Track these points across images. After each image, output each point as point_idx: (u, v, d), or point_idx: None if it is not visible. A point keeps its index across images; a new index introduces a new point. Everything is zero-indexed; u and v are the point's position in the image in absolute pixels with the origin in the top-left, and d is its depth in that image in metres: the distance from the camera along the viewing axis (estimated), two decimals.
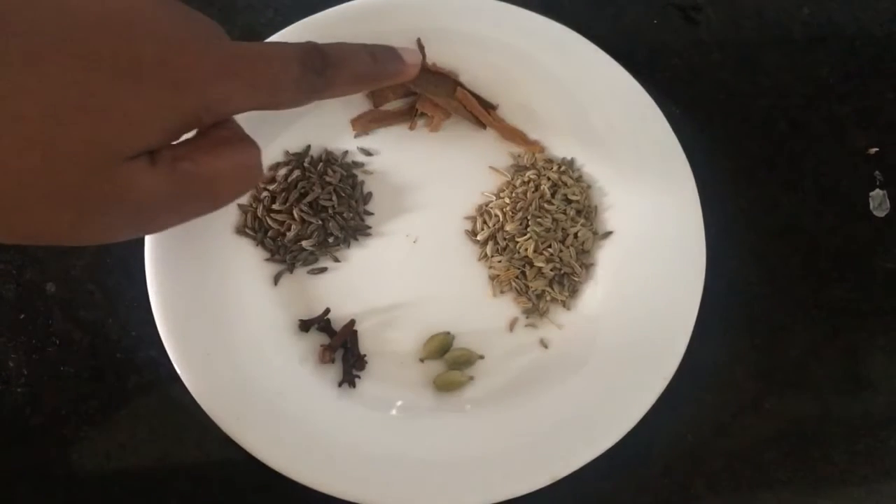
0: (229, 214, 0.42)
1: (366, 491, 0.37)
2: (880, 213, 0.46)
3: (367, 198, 0.44)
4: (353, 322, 0.41)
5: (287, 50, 0.29)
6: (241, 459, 0.37)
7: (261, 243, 0.42)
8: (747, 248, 0.45)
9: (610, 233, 0.43)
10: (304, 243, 0.41)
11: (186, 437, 0.40)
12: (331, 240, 0.42)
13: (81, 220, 0.25)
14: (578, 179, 0.44)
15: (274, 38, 0.43)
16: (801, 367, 0.43)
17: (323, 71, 0.30)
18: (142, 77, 0.24)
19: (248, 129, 0.42)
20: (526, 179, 0.43)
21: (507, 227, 0.42)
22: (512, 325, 0.42)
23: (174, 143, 0.27)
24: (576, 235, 0.43)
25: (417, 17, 0.44)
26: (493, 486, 0.37)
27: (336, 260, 0.43)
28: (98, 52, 0.24)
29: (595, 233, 0.43)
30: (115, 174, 0.24)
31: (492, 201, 0.44)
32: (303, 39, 0.43)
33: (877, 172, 0.47)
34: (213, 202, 0.29)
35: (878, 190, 0.46)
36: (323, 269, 0.42)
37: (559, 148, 0.45)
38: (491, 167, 0.45)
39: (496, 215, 0.43)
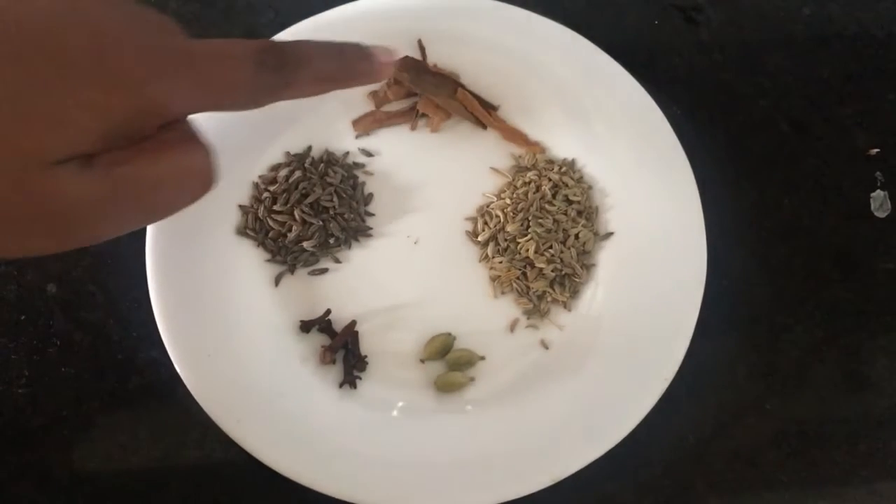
0: (230, 215, 0.42)
1: (366, 492, 0.37)
2: (881, 214, 0.46)
3: (368, 199, 0.44)
4: (353, 323, 0.41)
5: (241, 47, 0.27)
6: (242, 460, 0.37)
7: (262, 244, 0.42)
8: (748, 248, 0.45)
9: (611, 234, 0.43)
10: (305, 244, 0.41)
11: (187, 437, 0.40)
12: (332, 241, 0.42)
13: None
14: (579, 180, 0.44)
15: (277, 36, 0.43)
16: (802, 368, 0.43)
17: (281, 70, 0.28)
18: (72, 76, 0.23)
19: (248, 129, 0.42)
20: (527, 180, 0.43)
21: (508, 228, 0.42)
22: (513, 326, 0.42)
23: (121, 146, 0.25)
24: (577, 236, 0.43)
25: (418, 18, 0.44)
26: (494, 486, 0.37)
27: (337, 261, 0.43)
28: (21, 50, 0.22)
29: (596, 234, 0.43)
30: (37, 181, 0.23)
31: (493, 202, 0.44)
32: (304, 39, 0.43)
33: (878, 173, 0.47)
34: (155, 211, 0.27)
35: (879, 191, 0.46)
36: (324, 270, 0.42)
37: (560, 149, 0.45)
38: (492, 168, 0.45)
39: (497, 216, 0.43)
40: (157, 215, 0.27)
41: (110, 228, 0.26)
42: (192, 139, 0.27)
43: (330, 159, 0.43)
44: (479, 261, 0.43)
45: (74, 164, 0.23)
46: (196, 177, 0.27)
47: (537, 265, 0.42)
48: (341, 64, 0.32)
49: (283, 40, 0.30)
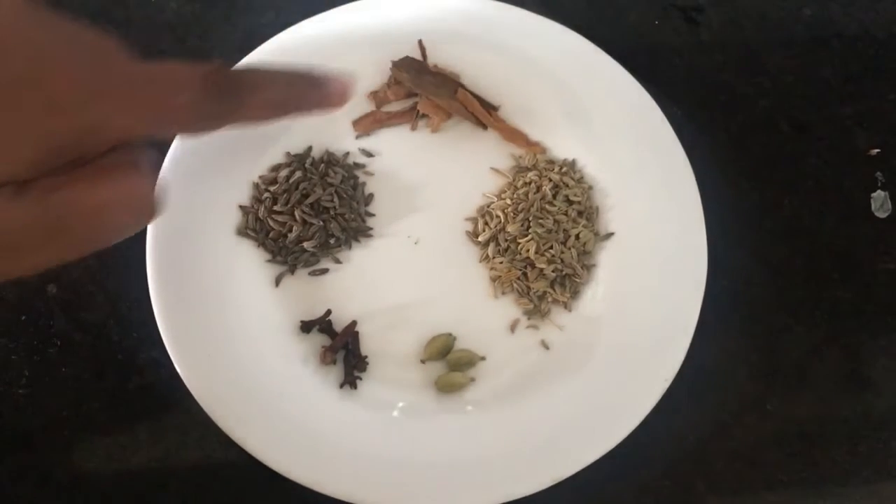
0: (230, 216, 0.42)
1: (367, 492, 0.37)
2: (882, 214, 0.46)
3: (369, 199, 0.44)
4: (354, 323, 0.41)
5: (187, 71, 0.26)
6: (243, 460, 0.37)
7: (262, 244, 0.42)
8: (749, 249, 0.45)
9: (611, 234, 0.43)
10: (306, 244, 0.41)
11: (188, 438, 0.40)
12: (332, 241, 0.42)
13: None
14: (580, 180, 0.44)
15: (277, 37, 0.43)
16: (802, 368, 0.43)
17: (228, 96, 0.27)
18: (6, 100, 0.22)
19: (248, 130, 0.42)
20: (527, 180, 0.43)
21: (509, 229, 0.42)
22: (513, 327, 0.42)
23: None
24: (577, 236, 0.43)
25: (418, 19, 0.44)
26: (494, 487, 0.37)
27: (337, 261, 0.43)
28: None
29: (596, 234, 0.43)
30: None
31: (493, 202, 0.44)
32: (305, 39, 0.43)
33: (878, 173, 0.47)
34: (95, 239, 0.25)
35: (879, 191, 0.46)
36: (324, 271, 0.42)
37: (561, 149, 0.45)
38: (492, 168, 0.45)
39: (497, 216, 0.43)
40: (97, 243, 0.26)
41: (47, 257, 0.25)
42: (135, 165, 0.26)
43: (330, 160, 0.43)
44: (480, 261, 0.43)
45: (7, 190, 0.23)
46: (137, 204, 0.26)
47: (538, 265, 0.42)
48: (293, 92, 0.31)
49: (234, 67, 0.29)
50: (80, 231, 0.25)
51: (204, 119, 0.27)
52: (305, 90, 0.31)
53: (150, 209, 0.26)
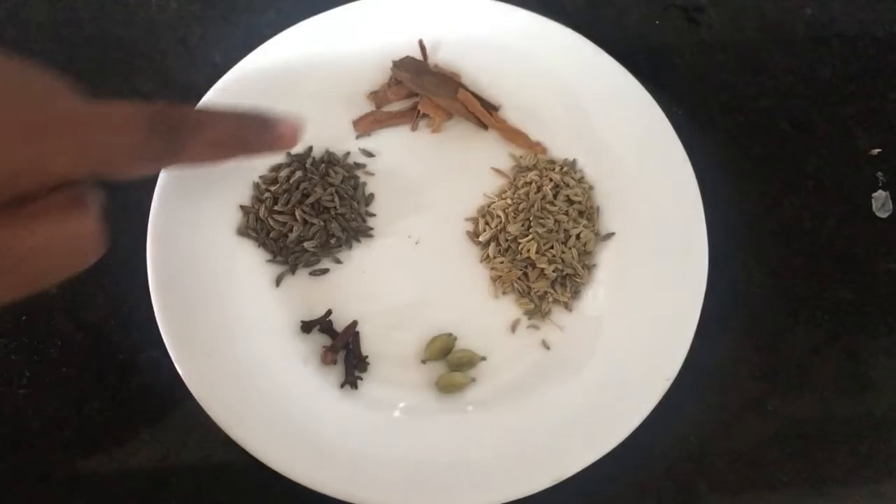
0: (231, 216, 0.42)
1: (367, 492, 0.37)
2: (883, 214, 0.46)
3: (369, 199, 0.44)
4: (355, 323, 0.41)
5: (130, 113, 0.26)
6: (242, 460, 0.37)
7: (263, 244, 0.42)
8: (749, 248, 0.45)
9: (612, 234, 0.43)
10: (307, 244, 0.41)
11: (188, 438, 0.40)
12: (333, 241, 0.42)
13: None
14: (580, 180, 0.44)
15: (278, 36, 0.43)
16: (803, 368, 0.43)
17: (171, 136, 0.27)
18: None
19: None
20: (528, 180, 0.43)
21: (510, 229, 0.42)
22: (514, 327, 0.42)
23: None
24: (578, 236, 0.42)
25: (419, 18, 0.44)
26: (495, 487, 0.37)
27: (338, 261, 0.43)
28: None
29: (597, 234, 0.43)
30: None
31: (494, 202, 0.44)
32: (305, 39, 0.43)
33: (879, 173, 0.47)
34: (36, 279, 0.25)
35: (880, 191, 0.46)
36: (325, 271, 0.42)
37: (561, 149, 0.44)
38: (493, 168, 0.45)
39: (498, 216, 0.43)
40: (39, 283, 0.25)
41: None
42: (77, 203, 0.25)
43: (331, 159, 0.43)
44: (481, 261, 0.43)
45: None
46: (78, 243, 0.25)
47: (538, 265, 0.42)
48: (240, 133, 0.31)
49: (180, 108, 0.28)
50: (21, 271, 0.24)
51: (147, 160, 0.27)
52: (254, 132, 0.31)
53: (91, 250, 0.26)
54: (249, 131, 0.31)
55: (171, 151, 0.27)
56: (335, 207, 0.42)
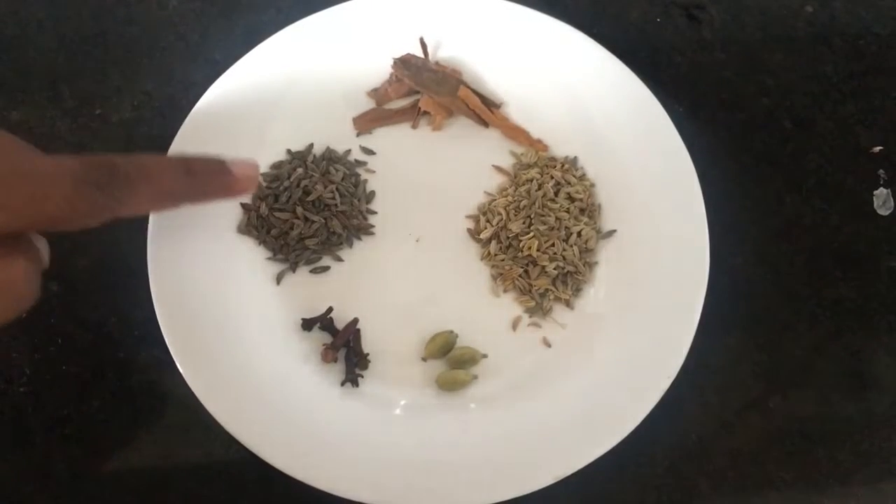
0: (232, 213, 0.42)
1: (368, 490, 0.37)
2: (884, 212, 0.46)
3: (370, 196, 0.44)
4: (355, 321, 0.41)
5: (64, 165, 0.26)
6: (244, 458, 0.37)
7: (263, 242, 0.42)
8: (751, 246, 0.45)
9: (613, 231, 0.43)
10: (307, 242, 0.41)
11: (189, 436, 0.40)
12: (333, 238, 0.42)
13: None
14: (582, 178, 0.44)
15: (278, 34, 0.43)
16: (805, 366, 0.43)
17: (109, 188, 0.27)
18: None
19: (248, 128, 0.42)
20: (529, 178, 0.43)
21: (511, 226, 0.42)
22: (515, 324, 0.42)
23: None
24: (579, 234, 0.42)
25: (420, 16, 0.44)
26: (496, 485, 0.37)
27: (339, 259, 0.42)
28: None
29: (598, 231, 0.43)
30: None
31: (495, 200, 0.43)
32: (305, 37, 0.43)
33: (881, 171, 0.47)
34: None
35: (882, 188, 0.46)
36: (325, 268, 0.42)
37: (562, 146, 0.44)
38: (494, 166, 0.45)
39: (499, 214, 0.43)
40: None
41: None
42: (9, 253, 0.26)
43: (331, 157, 0.43)
44: (481, 259, 0.43)
45: None
46: (10, 291, 0.26)
47: (539, 263, 0.42)
48: (189, 181, 0.31)
49: (123, 156, 0.28)
50: None
51: (86, 213, 0.27)
52: (207, 177, 0.31)
53: (25, 295, 0.26)
54: (201, 177, 0.31)
55: (111, 203, 0.27)
56: (336, 205, 0.42)
